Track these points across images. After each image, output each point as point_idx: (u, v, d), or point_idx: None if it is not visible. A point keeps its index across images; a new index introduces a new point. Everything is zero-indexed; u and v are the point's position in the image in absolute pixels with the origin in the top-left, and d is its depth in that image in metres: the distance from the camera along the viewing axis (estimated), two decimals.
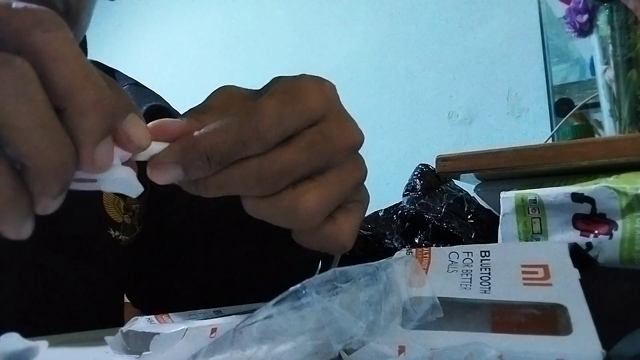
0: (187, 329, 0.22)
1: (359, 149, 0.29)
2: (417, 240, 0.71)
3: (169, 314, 0.27)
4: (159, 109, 0.58)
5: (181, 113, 0.71)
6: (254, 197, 0.27)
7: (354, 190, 0.29)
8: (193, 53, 2.40)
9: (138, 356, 0.23)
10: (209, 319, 0.27)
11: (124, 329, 0.25)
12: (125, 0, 2.67)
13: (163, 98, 0.62)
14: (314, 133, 0.26)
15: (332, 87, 0.29)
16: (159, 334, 0.22)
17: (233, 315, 0.26)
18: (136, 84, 0.61)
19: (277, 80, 0.28)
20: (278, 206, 0.26)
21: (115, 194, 0.52)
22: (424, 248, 0.26)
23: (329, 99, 0.28)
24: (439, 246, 0.62)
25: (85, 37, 0.56)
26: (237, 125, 0.24)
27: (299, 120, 0.26)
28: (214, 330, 0.23)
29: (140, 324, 0.25)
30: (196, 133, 0.25)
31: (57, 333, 0.32)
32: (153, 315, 0.26)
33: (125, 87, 0.59)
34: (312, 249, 0.30)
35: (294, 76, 0.28)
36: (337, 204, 0.28)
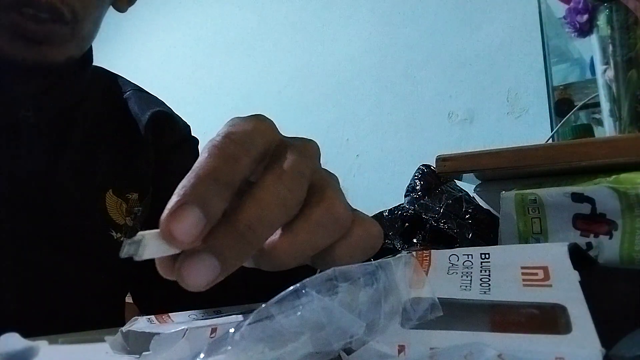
0: (187, 329, 0.22)
1: (319, 157, 0.28)
2: (415, 240, 0.71)
3: (169, 314, 0.27)
4: (163, 115, 0.58)
5: (181, 117, 0.70)
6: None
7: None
8: (193, 53, 2.40)
9: (138, 356, 0.23)
10: (209, 319, 0.27)
11: (124, 329, 0.25)
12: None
13: (166, 103, 0.62)
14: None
15: (270, 123, 0.27)
16: (158, 334, 0.22)
17: (233, 315, 0.26)
18: (139, 89, 0.61)
19: (288, 141, 0.26)
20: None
21: (119, 196, 0.52)
22: (424, 251, 0.26)
23: (273, 128, 0.27)
24: (437, 247, 0.62)
25: (91, 46, 0.56)
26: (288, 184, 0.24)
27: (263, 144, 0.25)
28: (214, 330, 0.23)
29: (140, 324, 0.25)
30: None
31: (57, 333, 0.32)
32: (153, 316, 0.26)
33: (128, 92, 0.59)
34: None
35: (293, 138, 0.27)
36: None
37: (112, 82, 0.61)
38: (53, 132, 0.50)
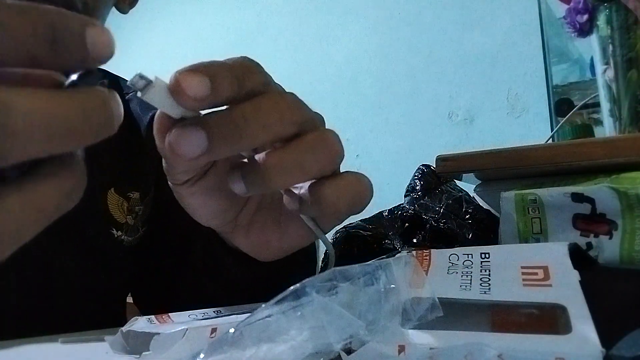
0: (187, 329, 0.22)
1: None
2: (415, 241, 0.71)
3: (169, 314, 0.27)
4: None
5: None
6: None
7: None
8: (193, 54, 2.39)
9: (138, 356, 0.23)
10: (209, 319, 0.27)
11: (124, 328, 0.25)
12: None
13: None
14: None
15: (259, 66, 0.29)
16: (159, 334, 0.22)
17: (233, 315, 0.26)
18: None
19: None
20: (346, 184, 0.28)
21: (120, 195, 0.52)
22: (424, 250, 0.26)
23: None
24: (437, 247, 0.62)
25: None
26: (274, 100, 0.26)
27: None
28: (214, 330, 0.23)
29: (140, 323, 0.25)
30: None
31: (58, 332, 0.32)
32: (153, 316, 0.26)
33: (130, 94, 0.60)
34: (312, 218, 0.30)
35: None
36: None
37: (114, 84, 0.61)
38: None
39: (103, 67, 0.64)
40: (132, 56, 2.51)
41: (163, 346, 0.22)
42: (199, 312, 0.28)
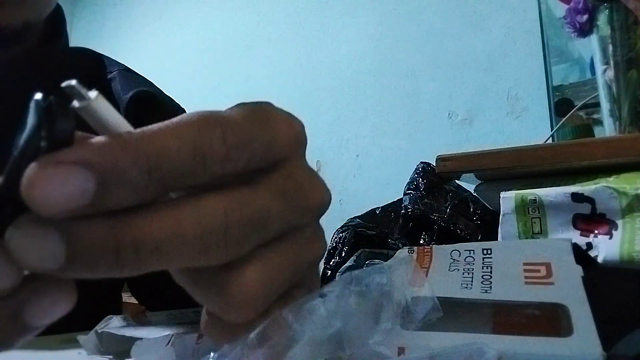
0: (172, 335, 0.22)
1: (323, 214, 0.20)
2: (421, 242, 0.71)
3: (146, 312, 0.26)
4: (146, 94, 0.55)
5: (172, 98, 0.66)
6: (197, 270, 0.17)
7: (308, 271, 0.20)
8: (193, 53, 2.39)
9: (111, 357, 0.23)
10: (187, 320, 0.26)
11: (98, 328, 0.24)
12: (125, 1, 2.67)
13: (154, 84, 0.60)
14: (284, 178, 0.18)
15: (302, 126, 0.20)
16: (141, 339, 0.22)
17: None
18: (126, 69, 0.58)
19: (239, 103, 0.19)
20: (218, 283, 0.17)
21: None
22: (425, 246, 0.26)
23: (298, 140, 0.20)
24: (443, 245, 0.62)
25: (62, 19, 0.54)
26: (197, 132, 0.16)
27: (267, 150, 0.18)
28: (200, 336, 0.22)
29: (115, 323, 0.25)
30: (135, 131, 0.16)
31: (49, 333, 0.32)
32: (128, 315, 0.26)
33: (114, 72, 0.57)
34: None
35: (258, 101, 0.20)
36: (286, 288, 0.19)
37: (96, 63, 0.58)
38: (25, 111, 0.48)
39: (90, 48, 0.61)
40: (131, 56, 2.51)
41: (146, 352, 0.21)
42: (177, 312, 0.27)
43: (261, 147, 0.18)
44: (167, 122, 0.16)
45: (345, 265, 0.53)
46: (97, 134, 0.16)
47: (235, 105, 0.19)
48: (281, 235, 0.18)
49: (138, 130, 0.16)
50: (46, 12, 0.50)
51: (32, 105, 0.14)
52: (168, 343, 0.21)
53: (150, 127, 0.16)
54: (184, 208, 0.16)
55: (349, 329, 0.18)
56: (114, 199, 0.14)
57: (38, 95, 0.14)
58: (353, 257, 0.53)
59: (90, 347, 0.24)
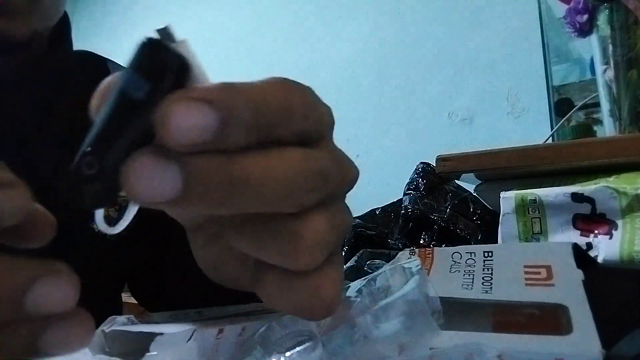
0: (194, 330, 0.22)
1: (351, 189, 0.22)
2: (421, 242, 0.71)
3: (150, 313, 0.26)
4: None
5: None
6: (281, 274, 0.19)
7: (343, 237, 0.22)
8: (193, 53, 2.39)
9: (116, 358, 0.23)
10: (191, 319, 0.26)
11: (105, 328, 0.24)
12: (124, 1, 2.68)
13: None
14: (331, 150, 0.21)
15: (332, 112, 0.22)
16: (161, 334, 0.22)
17: (240, 317, 0.26)
18: None
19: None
20: (288, 231, 0.18)
21: None
22: (427, 248, 0.26)
23: (332, 121, 0.22)
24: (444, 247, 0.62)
25: (67, 25, 0.54)
26: (286, 91, 0.19)
27: (321, 120, 0.20)
28: (221, 331, 0.22)
29: (120, 322, 0.24)
30: (237, 83, 0.17)
31: None
32: (132, 315, 0.26)
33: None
34: (282, 309, 0.21)
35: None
36: (339, 244, 0.21)
37: (100, 66, 0.58)
38: (31, 117, 0.48)
39: (96, 52, 0.61)
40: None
41: (167, 347, 0.21)
42: (180, 313, 0.27)
43: (320, 116, 0.20)
44: (259, 80, 0.19)
45: (347, 265, 0.53)
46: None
47: (291, 80, 0.21)
48: (332, 198, 0.20)
49: (239, 83, 0.18)
50: (54, 21, 0.50)
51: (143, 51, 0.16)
52: (190, 338, 0.21)
53: (248, 82, 0.18)
54: (273, 155, 0.18)
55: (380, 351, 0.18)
56: (229, 137, 0.16)
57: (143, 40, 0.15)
58: (355, 257, 0.53)
59: (96, 347, 0.24)
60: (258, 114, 0.17)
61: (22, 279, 0.16)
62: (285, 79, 0.19)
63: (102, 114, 0.15)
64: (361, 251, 0.55)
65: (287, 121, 0.18)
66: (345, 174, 0.21)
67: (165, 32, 0.16)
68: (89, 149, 0.15)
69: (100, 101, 0.19)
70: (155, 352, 0.21)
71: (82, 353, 0.24)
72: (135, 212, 0.19)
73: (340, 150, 0.22)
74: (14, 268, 0.16)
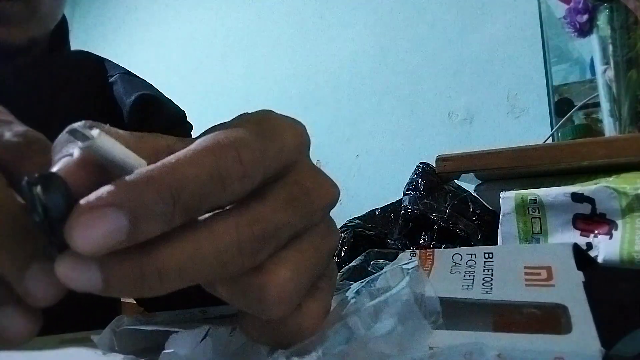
0: (209, 327, 0.22)
1: (333, 207, 0.22)
2: (421, 242, 0.71)
3: (155, 312, 0.26)
4: (149, 98, 0.55)
5: (173, 101, 0.66)
6: (223, 280, 0.19)
7: (327, 262, 0.22)
8: (193, 53, 2.39)
9: (133, 357, 0.23)
10: (195, 318, 0.27)
11: (115, 327, 0.24)
12: (124, 2, 2.68)
13: (155, 87, 0.59)
14: (291, 185, 0.20)
15: (305, 128, 0.22)
16: (177, 331, 0.22)
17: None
18: (127, 73, 0.59)
19: (242, 116, 0.21)
20: (253, 287, 0.18)
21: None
22: (427, 249, 0.26)
23: (303, 143, 0.21)
24: (445, 248, 0.62)
25: (65, 29, 0.54)
26: (213, 156, 0.17)
27: (278, 160, 0.19)
28: (234, 329, 0.22)
29: (128, 322, 0.25)
30: (154, 166, 0.17)
31: (49, 332, 0.32)
32: (139, 314, 0.26)
33: (115, 76, 0.57)
34: (260, 342, 0.21)
35: (259, 111, 0.21)
36: (313, 280, 0.21)
37: (98, 67, 0.58)
38: (31, 120, 0.48)
39: (92, 51, 0.61)
40: (130, 56, 2.51)
41: (182, 345, 0.21)
42: (184, 312, 0.28)
43: (273, 158, 0.19)
44: (183, 151, 0.17)
45: (352, 264, 0.53)
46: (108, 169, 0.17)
47: (240, 119, 0.20)
48: (299, 235, 0.20)
49: (158, 164, 0.17)
50: (52, 26, 0.51)
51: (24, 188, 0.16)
52: (205, 336, 0.21)
53: (168, 158, 0.17)
54: (201, 232, 0.17)
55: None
56: (144, 231, 0.16)
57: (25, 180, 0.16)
58: (360, 257, 0.53)
59: (105, 345, 0.24)
60: (177, 199, 0.16)
61: None
62: (219, 136, 0.18)
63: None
64: (367, 251, 0.56)
65: (220, 189, 0.17)
66: (322, 197, 0.21)
67: (76, 133, 0.16)
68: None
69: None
70: (172, 350, 0.21)
71: (92, 351, 0.24)
72: None
73: (318, 171, 0.21)
74: None
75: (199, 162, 0.17)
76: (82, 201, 0.15)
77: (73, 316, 0.48)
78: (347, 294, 0.22)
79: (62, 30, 0.54)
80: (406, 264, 0.22)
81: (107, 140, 0.16)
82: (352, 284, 0.24)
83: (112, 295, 0.16)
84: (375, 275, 0.22)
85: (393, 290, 0.20)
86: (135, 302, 0.60)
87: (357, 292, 0.22)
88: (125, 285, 0.16)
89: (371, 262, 0.55)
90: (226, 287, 0.19)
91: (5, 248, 0.17)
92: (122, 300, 0.60)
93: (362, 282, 0.24)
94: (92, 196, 0.15)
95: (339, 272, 0.59)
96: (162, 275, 0.16)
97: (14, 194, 0.18)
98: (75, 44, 0.58)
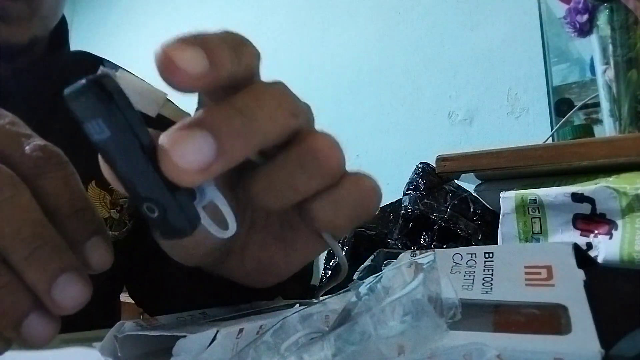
0: (217, 331, 0.22)
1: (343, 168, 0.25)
2: (422, 242, 0.71)
3: (156, 317, 0.26)
4: None
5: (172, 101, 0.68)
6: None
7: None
8: None
9: None
10: (198, 321, 0.26)
11: (116, 334, 0.24)
12: (124, 2, 2.68)
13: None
14: (301, 148, 0.24)
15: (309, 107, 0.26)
16: (184, 336, 0.22)
17: (261, 315, 0.26)
18: (126, 72, 0.59)
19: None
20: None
21: (101, 188, 0.50)
22: (428, 250, 0.26)
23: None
24: (446, 248, 0.62)
25: (64, 28, 0.54)
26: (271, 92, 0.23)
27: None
28: (240, 330, 0.22)
29: (129, 327, 0.24)
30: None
31: None
32: (140, 319, 0.25)
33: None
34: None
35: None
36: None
37: (96, 66, 0.58)
38: (32, 120, 0.48)
39: (92, 51, 0.62)
40: (130, 56, 2.51)
41: (193, 350, 0.21)
42: (186, 314, 0.27)
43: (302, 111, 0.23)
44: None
45: (364, 265, 0.53)
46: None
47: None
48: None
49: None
50: (53, 25, 0.51)
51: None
52: (213, 339, 0.21)
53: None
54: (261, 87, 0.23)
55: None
56: (228, 150, 0.18)
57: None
58: (371, 257, 0.53)
59: (107, 352, 0.24)
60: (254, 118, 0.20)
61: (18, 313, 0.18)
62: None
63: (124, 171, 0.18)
64: (378, 251, 0.56)
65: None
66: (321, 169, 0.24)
67: (105, 73, 0.18)
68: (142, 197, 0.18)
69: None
70: (181, 355, 0.21)
71: (92, 351, 0.24)
72: (230, 211, 0.20)
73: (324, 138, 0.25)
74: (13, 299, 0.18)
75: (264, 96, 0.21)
76: (170, 129, 0.18)
77: (73, 316, 0.48)
78: (359, 290, 0.22)
79: (61, 30, 0.54)
80: (420, 258, 0.22)
81: (129, 75, 0.19)
82: (362, 282, 0.24)
83: (223, 167, 0.18)
84: (384, 271, 0.22)
85: (406, 289, 0.20)
86: (134, 303, 0.60)
87: (370, 290, 0.22)
88: (231, 126, 0.18)
89: (384, 262, 0.55)
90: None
91: (36, 260, 0.18)
92: (122, 300, 0.60)
93: (373, 278, 0.24)
94: (178, 124, 0.18)
95: (353, 272, 0.59)
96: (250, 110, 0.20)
97: (38, 206, 0.19)
98: (75, 44, 0.58)
